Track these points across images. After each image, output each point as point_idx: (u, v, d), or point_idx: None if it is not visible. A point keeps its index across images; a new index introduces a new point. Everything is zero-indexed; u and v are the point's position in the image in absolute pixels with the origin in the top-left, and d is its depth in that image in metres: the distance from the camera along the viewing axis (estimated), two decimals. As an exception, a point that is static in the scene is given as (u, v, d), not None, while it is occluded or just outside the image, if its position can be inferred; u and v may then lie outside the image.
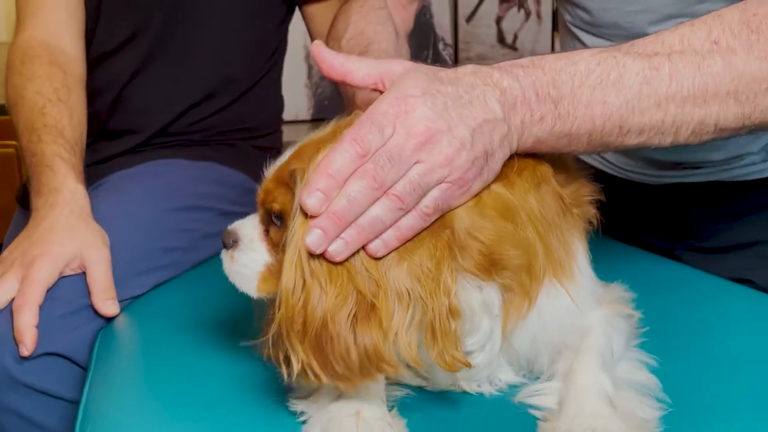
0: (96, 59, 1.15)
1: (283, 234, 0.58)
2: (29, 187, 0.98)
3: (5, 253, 0.90)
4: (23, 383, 0.86)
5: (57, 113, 0.99)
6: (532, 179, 0.61)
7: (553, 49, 2.59)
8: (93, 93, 1.13)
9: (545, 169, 0.62)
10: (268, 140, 1.29)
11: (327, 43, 0.79)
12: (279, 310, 0.54)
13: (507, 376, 0.65)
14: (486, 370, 0.63)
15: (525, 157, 0.61)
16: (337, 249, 0.54)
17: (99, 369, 0.80)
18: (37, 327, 0.84)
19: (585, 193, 0.67)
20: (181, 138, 1.19)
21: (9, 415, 0.88)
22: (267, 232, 0.62)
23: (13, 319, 0.84)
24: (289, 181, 0.58)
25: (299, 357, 0.54)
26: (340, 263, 0.54)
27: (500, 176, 0.59)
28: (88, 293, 0.89)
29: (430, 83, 0.57)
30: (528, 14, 2.53)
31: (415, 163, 0.55)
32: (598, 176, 1.05)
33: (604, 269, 0.69)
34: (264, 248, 0.62)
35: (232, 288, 0.94)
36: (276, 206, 0.59)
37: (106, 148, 1.18)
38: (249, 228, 0.63)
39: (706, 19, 0.63)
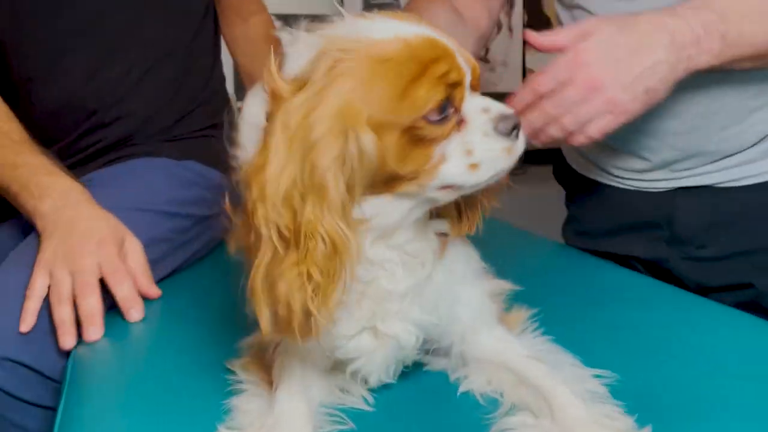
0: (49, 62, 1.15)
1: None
2: (15, 200, 0.98)
3: (46, 254, 0.89)
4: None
5: (17, 129, 1.03)
6: None
7: (524, 62, 2.62)
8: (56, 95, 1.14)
9: None
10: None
11: None
12: None
13: (418, 315, 0.64)
14: (397, 304, 0.62)
15: None
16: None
17: (74, 383, 0.77)
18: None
19: None
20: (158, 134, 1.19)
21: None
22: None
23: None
24: None
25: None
26: None
27: None
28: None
29: (611, 36, 0.77)
30: (499, 28, 2.56)
31: (583, 102, 0.77)
32: (594, 186, 1.09)
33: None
34: None
35: (209, 297, 0.93)
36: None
37: (82, 148, 1.18)
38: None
39: None
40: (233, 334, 0.75)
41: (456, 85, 0.58)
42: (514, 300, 0.78)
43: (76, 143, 1.18)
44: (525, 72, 2.62)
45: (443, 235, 0.65)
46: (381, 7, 2.39)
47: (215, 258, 1.16)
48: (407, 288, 0.62)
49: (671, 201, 1.00)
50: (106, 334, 0.88)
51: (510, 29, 2.58)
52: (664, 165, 0.99)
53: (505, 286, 0.78)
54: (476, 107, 0.59)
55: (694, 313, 0.85)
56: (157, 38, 1.19)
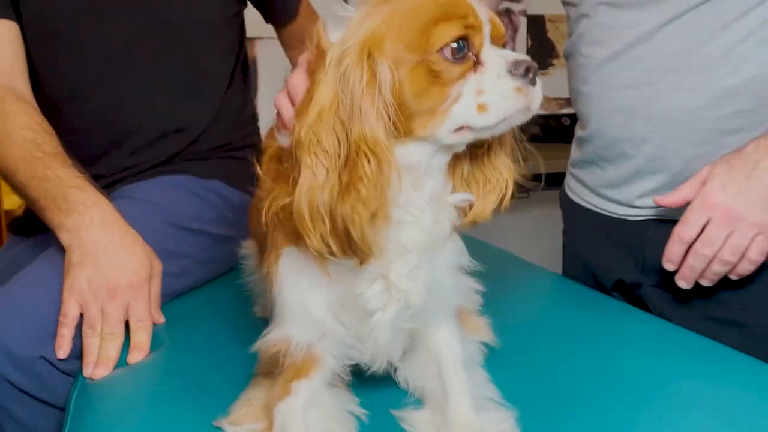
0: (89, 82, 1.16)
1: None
2: (43, 213, 0.99)
3: (79, 283, 0.91)
4: (18, 387, 0.91)
5: (51, 142, 1.03)
6: None
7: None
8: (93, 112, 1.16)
9: None
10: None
11: None
12: None
13: (426, 279, 0.67)
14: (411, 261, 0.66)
15: None
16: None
17: (80, 402, 0.80)
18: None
19: None
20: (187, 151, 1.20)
21: (3, 415, 0.93)
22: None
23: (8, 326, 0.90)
24: None
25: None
26: None
27: None
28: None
29: (725, 174, 0.87)
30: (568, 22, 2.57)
31: (731, 234, 0.86)
32: (575, 212, 1.15)
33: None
34: None
35: (223, 317, 0.93)
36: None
37: (115, 164, 1.19)
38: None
39: None
40: (246, 360, 0.76)
41: (474, 28, 0.62)
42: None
43: (106, 163, 1.19)
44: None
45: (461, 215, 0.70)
46: None
47: (232, 278, 1.15)
48: (425, 242, 0.66)
49: (644, 232, 1.04)
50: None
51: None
52: (638, 175, 1.03)
53: (477, 287, 0.81)
54: (495, 54, 0.63)
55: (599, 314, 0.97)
56: (187, 65, 1.20)
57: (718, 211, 0.87)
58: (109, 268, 0.91)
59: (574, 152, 1.17)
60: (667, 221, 0.99)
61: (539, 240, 2.12)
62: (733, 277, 0.91)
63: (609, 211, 1.09)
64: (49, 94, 1.17)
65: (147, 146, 1.19)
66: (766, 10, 0.92)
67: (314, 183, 0.58)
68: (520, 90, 0.62)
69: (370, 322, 0.67)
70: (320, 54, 0.62)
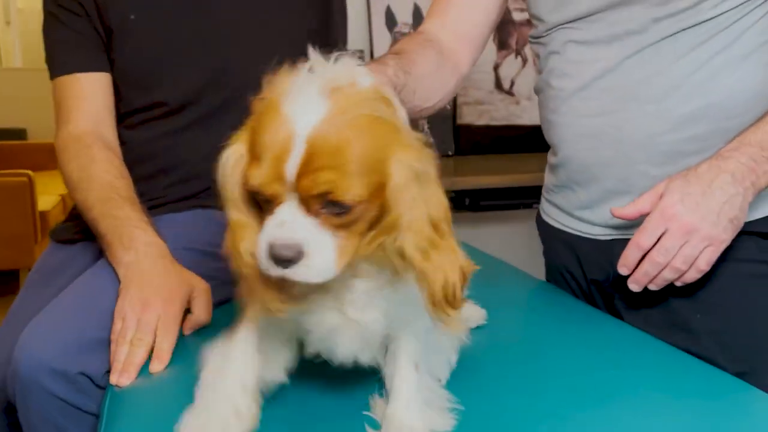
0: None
1: (353, 216, 0.62)
2: (108, 248, 1.13)
3: (122, 303, 1.04)
4: (53, 394, 1.01)
5: (126, 187, 1.21)
6: None
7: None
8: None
9: None
10: None
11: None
12: None
13: (386, 306, 0.72)
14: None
15: None
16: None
17: (112, 410, 0.87)
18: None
19: None
20: None
21: (40, 420, 1.04)
22: (317, 215, 0.63)
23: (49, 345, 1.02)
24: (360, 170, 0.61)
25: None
26: None
27: None
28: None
29: (681, 188, 0.94)
30: (525, 61, 2.63)
31: (684, 244, 0.94)
32: (550, 232, 1.24)
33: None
34: (330, 238, 0.63)
35: None
36: (346, 197, 0.61)
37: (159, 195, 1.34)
38: (305, 232, 0.62)
39: None
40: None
41: (273, 184, 0.62)
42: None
43: (163, 190, 1.35)
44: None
45: None
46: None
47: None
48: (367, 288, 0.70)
49: (613, 249, 1.11)
50: (145, 366, 0.99)
51: (535, 63, 2.65)
52: (601, 199, 1.11)
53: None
54: (274, 221, 0.63)
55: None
56: (243, 116, 1.34)
57: (675, 223, 0.93)
58: (150, 288, 1.04)
59: (548, 178, 1.26)
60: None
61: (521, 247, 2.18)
62: (678, 283, 0.99)
63: (583, 232, 1.18)
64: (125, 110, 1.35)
65: (181, 181, 1.34)
66: (716, 43, 1.00)
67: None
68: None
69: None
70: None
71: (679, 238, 0.94)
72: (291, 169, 0.61)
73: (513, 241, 2.35)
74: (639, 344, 1.02)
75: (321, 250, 0.62)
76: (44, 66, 1.35)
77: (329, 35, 1.43)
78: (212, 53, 1.31)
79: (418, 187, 0.64)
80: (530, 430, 0.78)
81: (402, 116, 0.67)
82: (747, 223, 1.01)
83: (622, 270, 1.00)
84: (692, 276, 0.97)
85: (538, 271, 1.39)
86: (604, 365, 0.94)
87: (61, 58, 1.32)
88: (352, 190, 0.61)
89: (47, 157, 4.51)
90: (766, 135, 0.94)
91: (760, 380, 0.91)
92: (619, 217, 1.02)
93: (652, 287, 1.00)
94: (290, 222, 0.62)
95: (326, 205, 0.62)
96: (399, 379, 0.76)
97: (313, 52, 0.68)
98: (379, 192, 0.63)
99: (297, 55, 1.25)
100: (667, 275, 0.97)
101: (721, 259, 0.99)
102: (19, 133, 5.16)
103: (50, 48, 1.34)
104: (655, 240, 0.96)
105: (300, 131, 0.61)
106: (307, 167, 0.60)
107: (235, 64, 1.31)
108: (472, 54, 1.21)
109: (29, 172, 3.46)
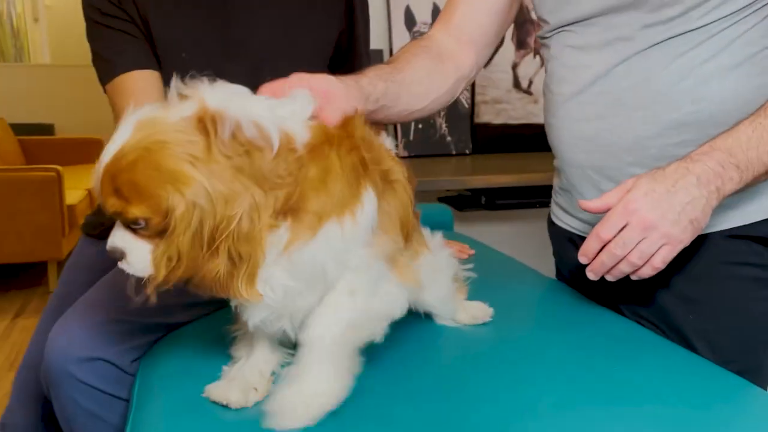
0: None
1: (155, 229, 0.74)
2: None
3: None
4: (82, 381, 1.07)
5: None
6: (343, 148, 0.82)
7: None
8: None
9: (354, 141, 0.83)
10: None
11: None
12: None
13: (283, 280, 0.79)
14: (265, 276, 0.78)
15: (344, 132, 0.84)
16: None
17: (143, 396, 0.93)
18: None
19: (386, 155, 0.89)
20: None
21: (74, 407, 1.10)
22: (135, 231, 0.76)
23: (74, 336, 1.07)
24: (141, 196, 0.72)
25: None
26: None
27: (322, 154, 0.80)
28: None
29: (648, 185, 0.95)
30: (543, 62, 2.65)
31: (642, 240, 0.94)
32: (559, 233, 1.28)
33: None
34: (144, 244, 0.76)
35: None
36: (130, 217, 0.73)
37: None
38: (122, 242, 0.77)
39: None
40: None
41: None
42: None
43: None
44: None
45: None
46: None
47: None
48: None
49: None
50: (172, 355, 1.03)
51: (553, 62, 2.67)
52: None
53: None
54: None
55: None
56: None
57: (636, 217, 0.94)
58: None
59: (555, 180, 1.30)
60: None
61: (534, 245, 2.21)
62: (633, 277, 1.00)
63: (585, 232, 1.21)
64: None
65: None
66: (705, 52, 1.03)
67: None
68: None
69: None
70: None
71: (638, 233, 0.94)
72: (97, 193, 0.75)
73: (529, 240, 2.38)
74: (648, 343, 1.04)
75: (135, 254, 0.77)
76: (72, 62, 1.39)
77: (353, 47, 1.47)
78: (249, 78, 1.32)
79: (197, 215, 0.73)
80: (537, 425, 0.80)
81: (224, 142, 0.74)
82: (740, 227, 1.03)
83: (582, 259, 1.01)
84: (646, 272, 0.97)
85: (554, 270, 1.42)
86: (612, 363, 0.96)
87: (114, 60, 1.28)
88: (134, 212, 0.73)
89: (75, 152, 4.63)
90: (737, 142, 0.95)
91: (752, 381, 0.93)
92: (586, 210, 1.03)
93: (609, 278, 1.01)
94: (113, 233, 0.78)
95: (126, 221, 0.75)
96: (301, 356, 0.81)
97: (175, 83, 0.79)
98: (167, 212, 0.72)
99: (321, 68, 1.30)
100: (623, 268, 0.98)
101: (715, 262, 1.00)
102: (47, 129, 5.27)
103: (99, 53, 1.30)
104: (616, 232, 0.96)
105: (102, 160, 0.74)
106: (102, 192, 0.74)
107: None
108: (476, 56, 1.25)
109: (58, 167, 3.55)
